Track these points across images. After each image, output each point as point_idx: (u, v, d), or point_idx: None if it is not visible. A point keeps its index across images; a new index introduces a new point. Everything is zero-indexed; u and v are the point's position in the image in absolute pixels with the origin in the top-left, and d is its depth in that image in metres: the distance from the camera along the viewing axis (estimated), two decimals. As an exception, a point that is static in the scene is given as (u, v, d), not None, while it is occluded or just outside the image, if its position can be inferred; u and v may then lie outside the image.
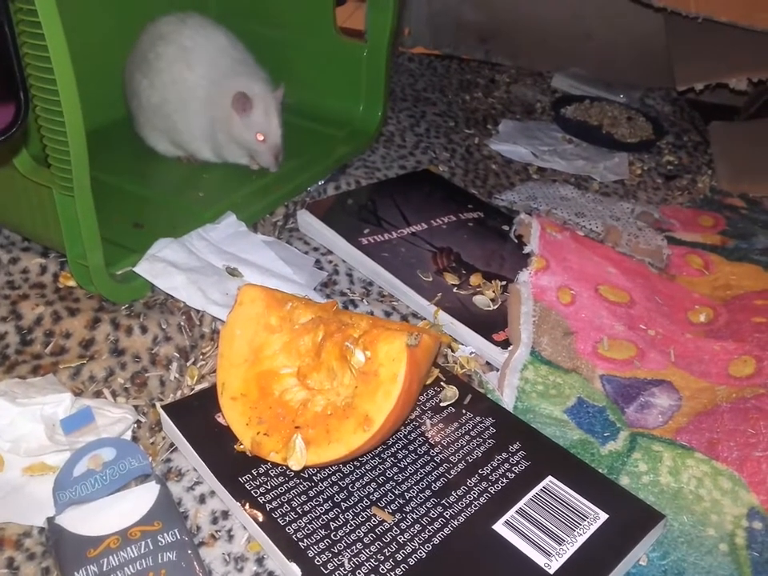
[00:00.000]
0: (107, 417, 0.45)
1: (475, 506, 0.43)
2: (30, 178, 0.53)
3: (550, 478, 0.45)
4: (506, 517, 0.42)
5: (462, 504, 0.43)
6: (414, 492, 0.44)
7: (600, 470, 0.48)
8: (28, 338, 0.54)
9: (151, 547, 0.39)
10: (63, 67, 0.46)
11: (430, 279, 0.64)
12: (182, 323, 0.58)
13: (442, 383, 0.53)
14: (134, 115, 0.77)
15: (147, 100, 0.74)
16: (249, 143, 0.73)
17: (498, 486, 0.44)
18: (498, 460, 0.46)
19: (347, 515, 0.42)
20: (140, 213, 0.69)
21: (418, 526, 0.42)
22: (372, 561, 0.40)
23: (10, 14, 0.33)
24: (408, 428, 0.49)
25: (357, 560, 0.40)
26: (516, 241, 0.70)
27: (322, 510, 0.42)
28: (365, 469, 0.45)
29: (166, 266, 0.59)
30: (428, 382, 0.52)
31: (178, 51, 0.72)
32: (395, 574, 0.39)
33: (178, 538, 0.40)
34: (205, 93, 0.72)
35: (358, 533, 0.41)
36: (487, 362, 0.58)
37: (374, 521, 0.42)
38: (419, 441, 0.48)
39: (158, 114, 0.74)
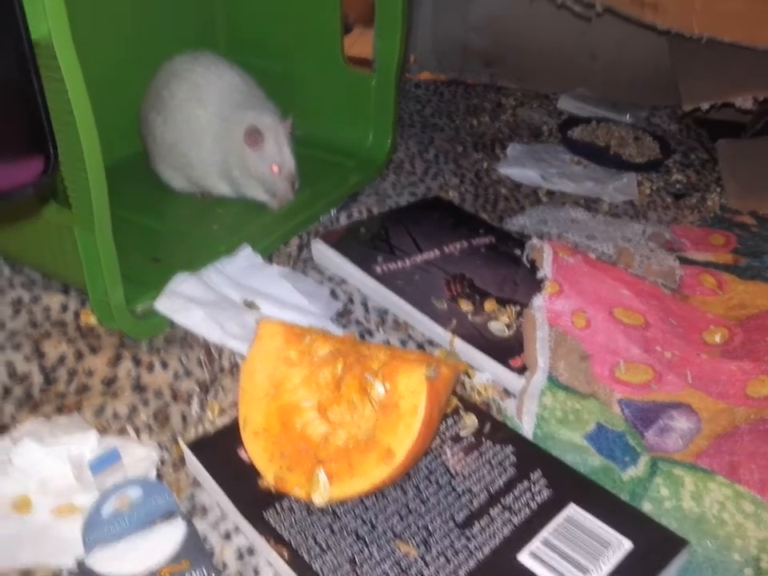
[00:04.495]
0: (132, 455, 0.46)
1: (499, 537, 0.43)
2: (51, 220, 0.54)
3: (572, 506, 0.45)
4: (531, 547, 0.43)
5: (486, 535, 0.43)
6: (437, 524, 0.44)
7: (622, 497, 0.48)
8: (51, 376, 0.55)
9: (180, 586, 0.39)
10: (83, 111, 0.47)
11: (445, 306, 0.65)
12: (202, 357, 0.59)
13: (460, 412, 0.53)
14: (149, 152, 0.78)
15: (162, 137, 0.75)
16: (264, 175, 0.74)
17: (521, 516, 0.45)
18: (520, 489, 0.47)
19: (372, 549, 0.42)
20: (157, 247, 0.70)
21: (442, 559, 0.42)
22: (398, 595, 0.40)
23: (38, 68, 0.34)
24: (429, 458, 0.49)
25: (383, 594, 0.40)
26: (529, 265, 0.70)
27: (346, 544, 0.43)
28: (387, 500, 0.46)
29: (184, 301, 0.60)
30: (447, 410, 0.52)
31: (190, 89, 0.74)
32: (422, 607, 0.39)
33: None
34: (217, 129, 0.73)
35: (383, 567, 0.41)
36: (505, 388, 0.59)
37: (398, 554, 0.42)
38: (440, 471, 0.48)
39: (173, 152, 0.75)
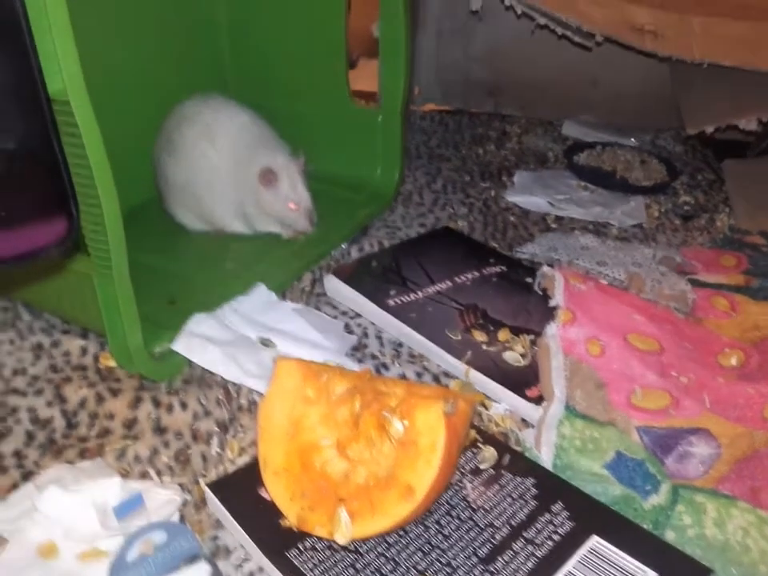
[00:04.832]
0: (155, 499, 0.47)
1: (523, 571, 0.43)
2: (70, 266, 0.55)
3: (595, 537, 0.45)
4: (555, 581, 0.43)
5: (509, 570, 0.43)
6: (460, 559, 0.44)
7: (645, 526, 0.48)
8: (73, 421, 0.56)
9: (206, 630, 0.39)
10: (100, 165, 0.48)
11: (459, 337, 0.65)
12: (220, 396, 0.59)
13: (479, 444, 0.53)
14: (162, 193, 0.80)
15: (174, 178, 0.77)
16: (281, 213, 0.75)
17: (544, 550, 0.44)
18: (542, 522, 0.46)
19: (396, 587, 0.42)
20: (173, 288, 0.71)
21: (467, 595, 0.42)
22: (424, 634, 0.40)
23: (58, 128, 0.35)
24: (449, 493, 0.49)
25: (409, 633, 0.40)
26: (541, 293, 0.71)
27: (370, 582, 0.43)
28: (409, 537, 0.46)
29: (202, 341, 0.61)
30: (466, 444, 0.52)
31: (201, 131, 0.75)
32: (448, 646, 0.39)
33: (232, 619, 0.40)
34: (230, 170, 0.75)
35: (408, 605, 0.41)
36: (522, 418, 0.59)
37: (423, 591, 0.42)
38: (461, 506, 0.48)
39: (186, 193, 0.77)
